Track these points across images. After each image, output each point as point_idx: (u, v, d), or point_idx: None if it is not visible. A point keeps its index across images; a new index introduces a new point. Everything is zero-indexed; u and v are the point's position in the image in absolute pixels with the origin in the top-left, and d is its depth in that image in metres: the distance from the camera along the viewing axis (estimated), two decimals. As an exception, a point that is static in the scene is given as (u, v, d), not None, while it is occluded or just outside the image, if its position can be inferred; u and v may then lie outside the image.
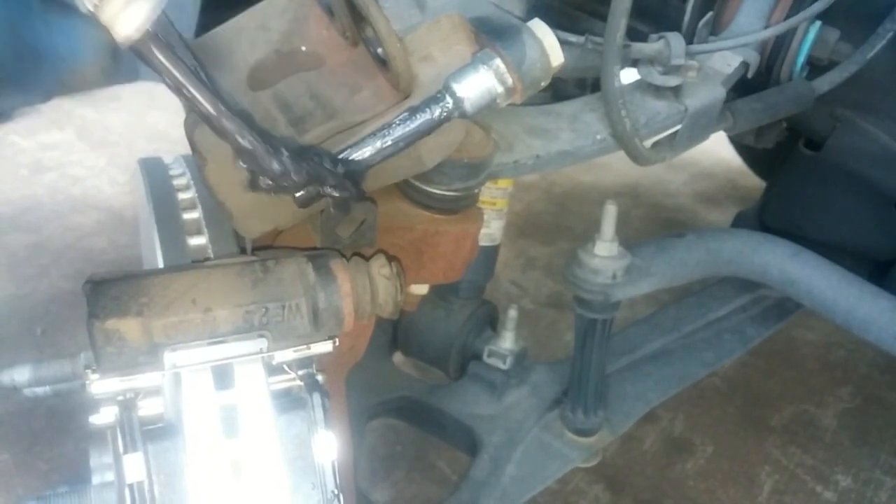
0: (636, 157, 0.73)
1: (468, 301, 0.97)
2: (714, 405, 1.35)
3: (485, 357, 0.96)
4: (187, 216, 0.58)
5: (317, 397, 0.49)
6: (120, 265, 1.58)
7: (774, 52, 0.82)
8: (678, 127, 0.75)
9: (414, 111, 0.50)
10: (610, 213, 0.82)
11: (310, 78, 0.61)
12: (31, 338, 1.39)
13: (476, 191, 0.68)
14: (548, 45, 0.52)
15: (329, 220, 0.58)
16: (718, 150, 1.90)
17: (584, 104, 0.75)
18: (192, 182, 0.61)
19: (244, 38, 0.64)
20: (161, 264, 0.55)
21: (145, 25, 0.40)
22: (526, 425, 0.92)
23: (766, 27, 0.80)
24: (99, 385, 0.46)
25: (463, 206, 0.68)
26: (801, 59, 0.82)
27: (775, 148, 0.99)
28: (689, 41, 0.76)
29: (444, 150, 0.58)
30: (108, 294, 0.46)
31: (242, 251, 0.57)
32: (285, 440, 0.48)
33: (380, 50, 0.57)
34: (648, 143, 0.74)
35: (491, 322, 1.00)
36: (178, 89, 0.43)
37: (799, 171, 1.00)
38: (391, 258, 0.58)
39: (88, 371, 0.47)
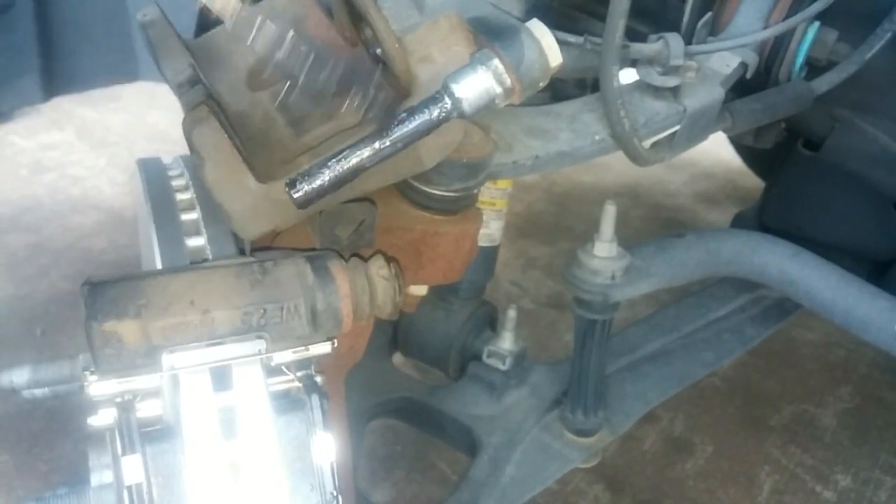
0: (635, 157, 0.73)
1: (468, 302, 0.97)
2: (714, 405, 1.35)
3: (484, 358, 0.96)
4: (186, 217, 0.58)
5: (315, 398, 0.49)
6: (120, 265, 1.58)
7: (773, 53, 0.82)
8: (677, 127, 0.75)
9: (412, 112, 0.50)
10: (609, 213, 0.82)
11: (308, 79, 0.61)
12: (30, 338, 1.39)
13: (475, 191, 0.68)
14: (546, 45, 0.52)
15: (328, 220, 0.58)
16: (718, 150, 1.90)
17: (583, 104, 0.75)
18: (190, 183, 0.61)
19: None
20: (159, 265, 0.55)
21: None
22: (525, 426, 0.92)
23: (765, 28, 0.80)
24: (97, 387, 0.46)
25: (462, 207, 0.68)
26: (800, 59, 0.82)
27: (774, 148, 0.99)
28: (688, 42, 0.76)
29: (443, 151, 0.58)
30: (106, 296, 0.46)
31: (241, 252, 0.57)
32: (284, 442, 0.48)
33: (379, 50, 0.56)
34: (647, 143, 0.74)
35: (490, 322, 1.00)
36: None
37: (798, 172, 1.00)
38: (390, 259, 0.58)
39: (87, 373, 0.47)
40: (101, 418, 0.47)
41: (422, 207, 0.66)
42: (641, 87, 0.74)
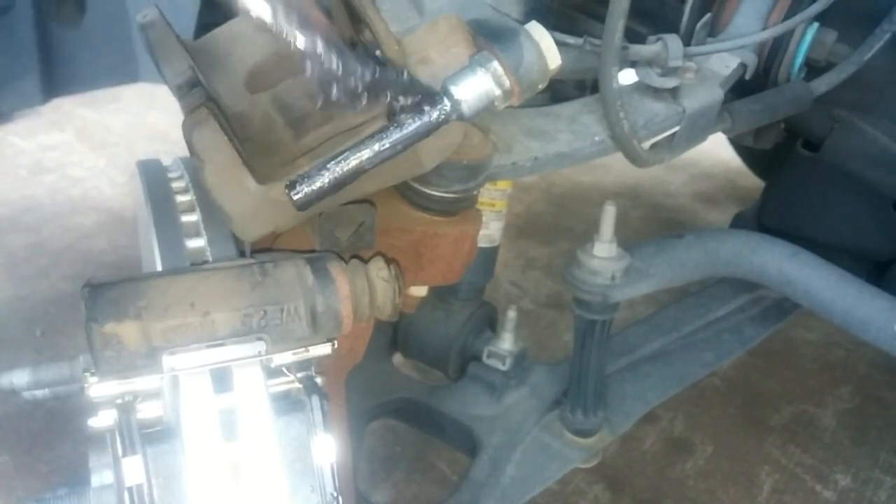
0: (634, 158, 0.73)
1: (467, 302, 0.97)
2: (714, 405, 1.35)
3: (484, 358, 0.96)
4: (186, 218, 0.58)
5: (315, 400, 0.49)
6: (119, 266, 1.58)
7: (772, 54, 0.82)
8: (676, 128, 0.75)
9: (412, 114, 0.50)
10: (609, 213, 0.82)
11: (308, 80, 0.61)
12: (30, 339, 1.39)
13: (475, 192, 0.69)
14: (545, 47, 0.52)
15: (328, 222, 0.58)
16: (718, 150, 1.90)
17: (583, 106, 0.75)
18: (190, 184, 0.61)
19: (242, 40, 0.64)
20: (159, 267, 0.55)
21: None
22: (525, 426, 0.92)
23: (764, 29, 0.80)
24: (97, 388, 0.46)
25: (462, 208, 0.68)
26: (799, 60, 0.82)
27: (774, 149, 0.99)
28: (687, 43, 0.76)
29: (443, 153, 0.58)
30: (106, 297, 0.47)
31: (241, 254, 0.57)
32: (284, 443, 0.48)
33: (378, 52, 0.57)
34: (647, 144, 0.74)
35: (490, 323, 1.00)
36: None
37: (797, 172, 1.00)
38: (389, 260, 0.58)
39: (87, 374, 0.47)
40: (102, 420, 0.47)
41: (421, 209, 0.66)
42: (641, 88, 0.74)
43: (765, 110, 0.81)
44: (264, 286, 0.49)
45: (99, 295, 0.47)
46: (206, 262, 0.56)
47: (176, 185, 0.61)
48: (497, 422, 0.93)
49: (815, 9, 0.75)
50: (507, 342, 0.96)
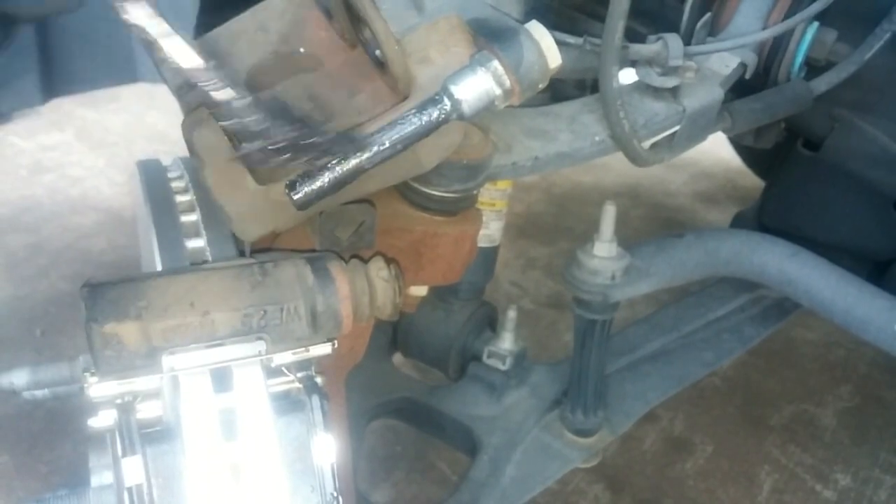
0: (634, 158, 0.73)
1: (467, 302, 0.97)
2: (714, 405, 1.35)
3: (484, 358, 0.96)
4: (185, 218, 0.58)
5: (316, 399, 0.49)
6: (119, 266, 1.58)
7: (772, 53, 0.82)
8: (676, 128, 0.75)
9: (411, 113, 0.50)
10: (609, 213, 0.82)
11: (308, 80, 0.61)
12: (30, 339, 1.39)
13: (475, 192, 0.68)
14: (545, 46, 0.52)
15: (328, 222, 0.58)
16: (718, 150, 1.90)
17: (583, 105, 0.75)
18: (190, 184, 0.61)
19: (242, 39, 0.64)
20: (159, 267, 0.55)
21: None
22: (525, 426, 0.92)
23: (764, 28, 0.80)
24: (97, 388, 0.46)
25: (462, 208, 0.68)
26: (799, 59, 0.82)
27: (774, 148, 0.99)
28: (687, 42, 0.76)
29: (443, 152, 0.58)
30: (106, 297, 0.46)
31: (241, 254, 0.57)
32: (284, 443, 0.48)
33: (378, 52, 0.56)
34: (647, 144, 0.74)
35: (490, 323, 1.00)
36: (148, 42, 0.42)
37: (797, 172, 1.00)
38: (389, 260, 0.58)
39: (87, 374, 0.47)
40: (102, 420, 0.47)
41: (421, 209, 0.66)
42: (641, 87, 0.74)
43: (765, 110, 0.81)
44: (264, 286, 0.49)
45: (99, 295, 0.47)
46: (205, 261, 0.56)
47: (175, 185, 0.61)
48: (497, 422, 0.93)
49: (815, 8, 0.75)
50: (507, 342, 0.96)
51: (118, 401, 0.47)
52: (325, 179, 0.49)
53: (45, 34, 0.93)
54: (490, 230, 0.92)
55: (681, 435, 1.29)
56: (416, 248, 0.66)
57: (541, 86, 0.53)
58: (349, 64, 0.60)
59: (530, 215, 1.89)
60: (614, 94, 0.67)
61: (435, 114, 0.50)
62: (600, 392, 0.91)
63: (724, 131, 0.82)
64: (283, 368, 0.50)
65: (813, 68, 0.84)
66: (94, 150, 2.07)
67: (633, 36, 0.71)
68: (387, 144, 0.49)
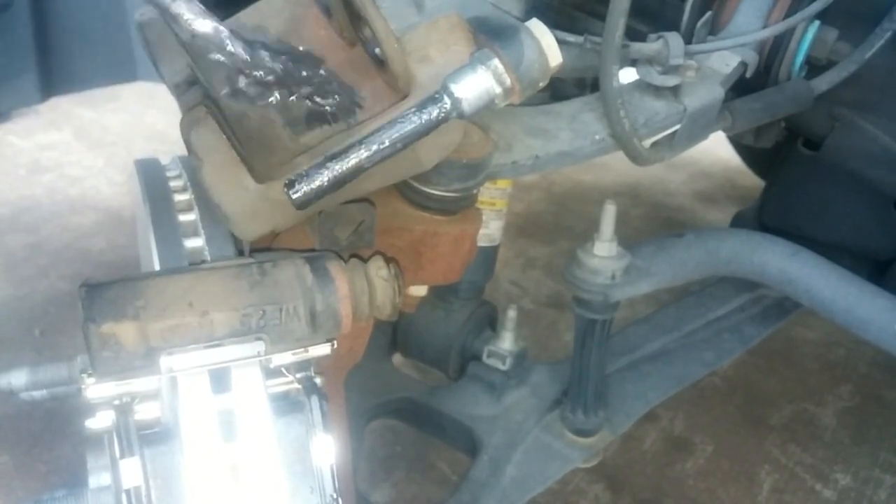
0: (635, 157, 0.73)
1: (467, 302, 0.97)
2: (714, 404, 1.35)
3: (484, 358, 0.96)
4: (184, 218, 0.58)
5: (315, 400, 0.49)
6: (118, 266, 1.58)
7: (773, 52, 0.81)
8: (677, 127, 0.75)
9: (411, 112, 0.50)
10: (609, 213, 0.82)
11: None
12: (29, 339, 1.38)
13: (475, 191, 0.68)
14: (546, 45, 0.52)
15: (327, 221, 0.58)
16: (717, 149, 1.90)
17: (583, 104, 0.75)
18: (188, 184, 0.61)
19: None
20: (157, 267, 0.55)
21: None
22: (526, 426, 0.92)
23: (765, 27, 0.79)
24: (95, 389, 0.46)
25: (461, 207, 0.68)
26: (800, 58, 0.81)
27: (774, 147, 0.99)
28: (688, 41, 0.75)
29: (443, 151, 0.58)
30: (103, 297, 0.46)
31: (239, 253, 0.57)
32: (283, 444, 0.48)
33: (377, 50, 0.56)
34: (647, 142, 0.74)
35: (490, 322, 1.00)
36: None
37: (797, 171, 1.00)
38: (389, 259, 0.57)
39: (84, 375, 0.47)
40: (99, 421, 0.47)
41: (421, 208, 0.66)
42: (641, 86, 0.74)
43: (765, 109, 0.80)
44: (263, 286, 0.49)
45: (96, 295, 0.46)
46: (204, 261, 0.56)
47: (174, 184, 0.61)
48: (497, 422, 0.92)
49: (815, 7, 0.75)
50: (507, 342, 0.95)
51: (116, 402, 0.47)
52: (324, 178, 0.49)
53: (45, 33, 0.92)
54: (490, 229, 0.92)
55: (681, 435, 1.29)
56: (416, 248, 0.66)
57: (541, 84, 0.53)
58: (348, 62, 0.60)
59: (530, 214, 1.89)
60: (615, 92, 0.66)
61: (435, 112, 0.49)
62: (601, 392, 0.91)
63: (725, 130, 0.82)
64: (283, 369, 0.50)
65: (814, 67, 0.84)
66: (93, 149, 2.07)
67: (633, 35, 0.70)
68: (387, 143, 0.49)
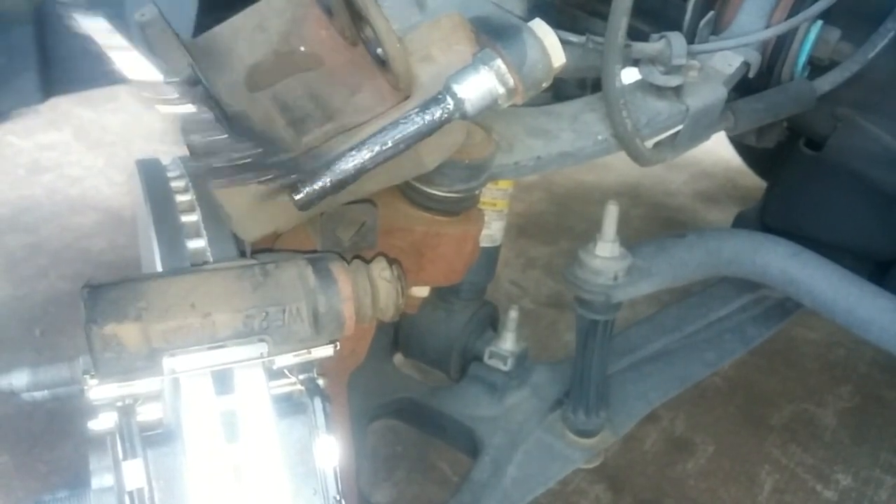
0: (637, 157, 0.72)
1: (469, 302, 0.97)
2: (715, 404, 1.35)
3: (486, 358, 0.95)
4: (186, 219, 0.58)
5: (318, 402, 0.49)
6: (118, 266, 1.58)
7: (776, 52, 0.81)
8: (679, 127, 0.75)
9: (414, 112, 0.50)
10: (611, 213, 0.82)
11: (309, 79, 0.60)
12: (29, 339, 1.38)
13: (477, 192, 0.68)
14: (549, 45, 0.52)
15: (329, 222, 0.58)
16: (718, 149, 1.90)
17: (585, 104, 0.75)
18: (190, 184, 0.61)
19: (242, 38, 0.63)
20: (159, 268, 0.54)
21: None
22: (527, 426, 0.92)
23: (768, 27, 0.79)
24: (97, 391, 0.46)
25: (464, 208, 0.67)
26: (803, 58, 0.81)
27: (776, 148, 0.99)
28: (691, 41, 0.75)
29: (445, 152, 0.58)
30: (106, 298, 0.46)
31: (242, 254, 0.56)
32: (286, 445, 0.48)
33: (379, 50, 0.56)
34: (650, 143, 0.74)
35: (492, 323, 1.00)
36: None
37: (800, 171, 1.00)
38: (392, 261, 0.57)
39: (87, 377, 0.46)
40: (102, 422, 0.47)
41: (423, 208, 0.65)
42: (644, 86, 0.74)
43: (768, 109, 0.80)
44: (266, 287, 0.49)
45: (98, 296, 0.46)
46: (206, 262, 0.55)
47: (175, 184, 0.61)
48: (498, 422, 0.92)
49: (818, 7, 0.75)
50: (508, 342, 0.95)
51: (118, 403, 0.46)
52: (326, 180, 0.48)
53: (44, 32, 0.92)
54: (491, 230, 0.92)
55: (682, 435, 1.29)
56: (418, 249, 0.66)
57: (544, 85, 0.53)
58: (350, 62, 0.60)
59: (531, 214, 1.89)
60: (617, 93, 0.66)
61: (438, 113, 0.49)
62: (602, 392, 0.91)
63: (727, 131, 0.81)
64: (285, 370, 0.50)
65: (816, 67, 0.83)
66: (93, 149, 2.06)
67: (635, 34, 0.70)
68: (389, 144, 0.49)
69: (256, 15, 0.64)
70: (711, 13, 0.78)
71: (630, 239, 0.85)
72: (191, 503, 0.45)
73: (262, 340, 0.48)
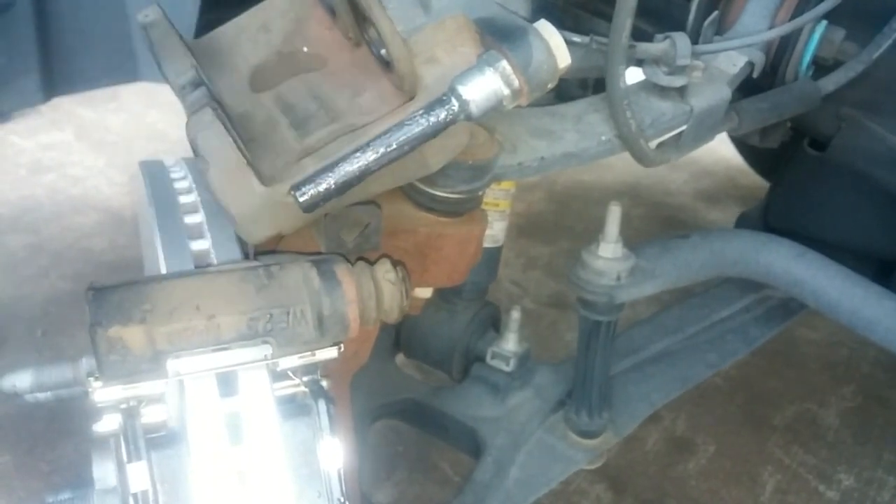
0: (641, 158, 0.72)
1: (471, 303, 0.96)
2: (716, 405, 1.35)
3: (488, 359, 0.95)
4: (189, 220, 0.57)
5: (322, 403, 0.49)
6: (119, 266, 1.58)
7: (780, 52, 0.81)
8: (683, 127, 0.74)
9: (419, 114, 0.49)
10: (614, 214, 0.82)
11: (312, 79, 0.60)
12: (31, 339, 1.38)
13: (480, 193, 0.68)
14: (554, 45, 0.51)
15: (333, 224, 0.57)
16: (719, 148, 1.90)
17: (589, 105, 0.74)
18: (193, 185, 0.61)
19: (245, 38, 0.63)
20: (164, 269, 0.54)
21: None
22: (529, 427, 0.92)
23: (772, 27, 0.79)
24: (102, 393, 0.46)
25: (467, 209, 0.67)
26: (807, 58, 0.81)
27: (779, 148, 0.98)
28: (694, 41, 0.75)
29: (449, 153, 0.58)
30: (110, 301, 0.46)
31: (246, 256, 0.56)
32: (290, 447, 0.48)
33: (383, 51, 0.56)
34: (653, 143, 0.73)
35: (494, 323, 0.99)
36: None
37: (803, 172, 1.00)
38: (396, 262, 0.57)
39: (91, 379, 0.46)
40: (106, 424, 0.47)
41: (426, 209, 0.65)
42: (647, 87, 0.73)
43: (772, 109, 0.80)
44: (270, 289, 0.49)
45: (103, 298, 0.46)
46: (210, 264, 0.55)
47: (179, 185, 0.61)
48: (501, 423, 0.92)
49: (823, 7, 0.75)
50: (510, 343, 0.95)
51: (123, 405, 0.46)
52: (330, 181, 0.48)
53: (46, 33, 0.92)
54: (494, 230, 0.92)
55: (683, 435, 1.29)
56: (422, 250, 0.66)
57: (550, 86, 0.53)
58: (353, 63, 0.60)
59: (531, 214, 1.89)
60: (621, 93, 0.66)
61: (443, 114, 0.49)
62: (605, 393, 0.91)
63: (731, 131, 0.81)
64: (289, 372, 0.50)
65: (820, 67, 0.83)
66: (95, 149, 2.06)
67: (639, 35, 0.70)
68: (394, 146, 0.49)
69: (260, 15, 0.64)
70: (715, 13, 0.78)
71: (631, 239, 0.85)
72: (195, 505, 0.45)
73: (266, 342, 0.48)
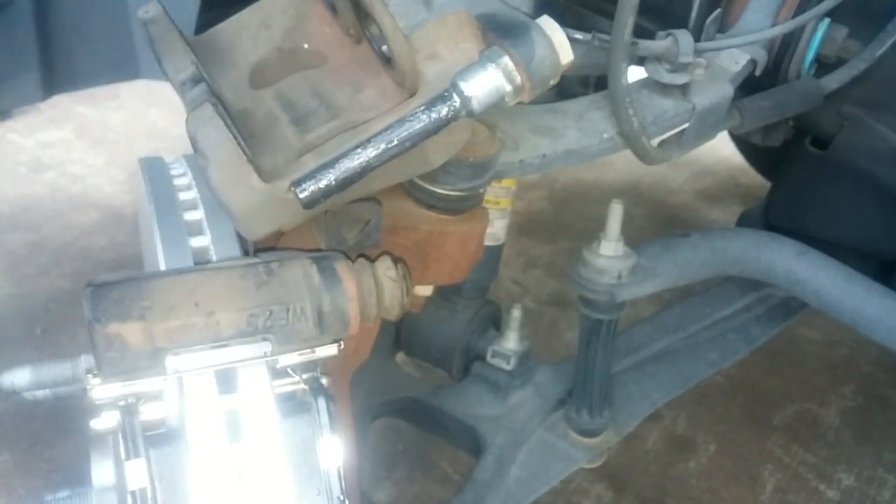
0: (643, 156, 0.72)
1: (472, 301, 0.96)
2: (716, 404, 1.35)
3: (488, 357, 0.95)
4: (189, 216, 0.57)
5: (322, 401, 0.49)
6: (119, 264, 1.57)
7: (782, 50, 0.81)
8: (686, 125, 0.74)
9: (420, 110, 0.49)
10: (616, 212, 0.81)
11: (313, 76, 0.60)
12: (30, 337, 1.38)
13: (481, 191, 0.68)
14: (557, 42, 0.51)
15: (333, 221, 0.57)
16: (720, 147, 1.89)
17: (591, 102, 0.74)
18: (193, 182, 0.60)
19: (246, 35, 0.63)
20: (163, 266, 0.54)
21: None
22: (530, 426, 0.92)
23: (774, 25, 0.79)
24: (100, 390, 0.46)
25: (468, 206, 0.67)
26: (810, 56, 0.81)
27: (780, 146, 0.98)
28: (697, 39, 0.75)
29: (450, 150, 0.57)
30: (109, 297, 0.46)
31: (245, 253, 0.56)
32: (290, 445, 0.47)
33: (384, 48, 0.56)
34: (655, 141, 0.73)
35: (494, 322, 0.99)
36: None
37: (805, 170, 0.99)
38: (397, 260, 0.57)
39: (90, 376, 0.46)
40: (104, 421, 0.46)
41: (427, 207, 0.65)
42: (649, 84, 0.73)
43: (775, 107, 0.80)
44: (270, 286, 0.49)
45: (102, 295, 0.46)
46: (209, 261, 0.55)
47: (178, 182, 0.60)
48: (501, 422, 0.92)
49: (825, 5, 0.75)
50: (511, 341, 0.95)
51: (121, 402, 0.46)
52: (331, 178, 0.48)
53: (46, 31, 0.92)
54: (494, 228, 0.91)
55: (683, 434, 1.28)
56: (422, 248, 0.66)
57: (552, 82, 0.52)
58: (354, 60, 0.60)
59: (531, 213, 1.88)
60: (623, 90, 0.66)
61: (444, 111, 0.49)
62: (605, 392, 0.90)
63: (734, 129, 0.81)
64: (289, 369, 0.49)
65: (823, 65, 0.83)
66: (95, 147, 2.06)
67: (641, 32, 0.70)
68: (395, 142, 0.48)
69: (260, 12, 0.63)
70: (718, 11, 0.78)
71: (632, 238, 0.85)
72: (194, 503, 0.45)
73: (265, 339, 0.48)
